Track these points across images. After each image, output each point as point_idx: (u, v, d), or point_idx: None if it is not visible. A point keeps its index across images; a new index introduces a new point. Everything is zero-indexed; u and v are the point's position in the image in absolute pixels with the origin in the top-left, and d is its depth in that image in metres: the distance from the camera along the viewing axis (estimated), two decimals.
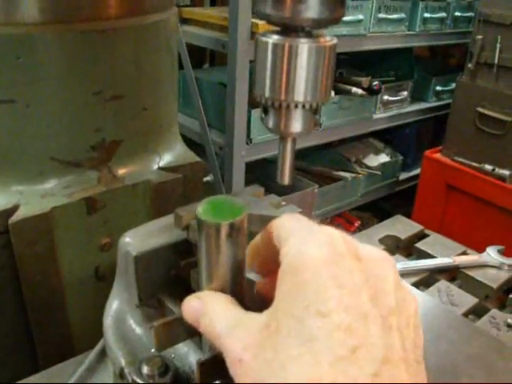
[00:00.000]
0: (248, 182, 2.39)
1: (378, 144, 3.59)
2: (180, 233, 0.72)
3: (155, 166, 1.20)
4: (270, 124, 0.67)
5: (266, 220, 0.70)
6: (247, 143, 2.27)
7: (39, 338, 1.13)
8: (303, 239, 0.48)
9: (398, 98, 3.39)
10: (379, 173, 3.35)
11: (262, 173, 2.64)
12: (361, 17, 2.69)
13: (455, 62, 4.21)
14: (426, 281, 1.57)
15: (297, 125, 0.66)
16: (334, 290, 0.43)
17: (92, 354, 0.82)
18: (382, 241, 1.68)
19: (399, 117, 3.43)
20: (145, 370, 0.65)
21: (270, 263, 0.54)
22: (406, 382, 0.42)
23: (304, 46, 0.60)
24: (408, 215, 2.27)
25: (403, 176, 3.72)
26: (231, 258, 0.54)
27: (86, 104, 1.05)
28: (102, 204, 1.09)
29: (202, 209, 0.54)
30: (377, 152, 3.50)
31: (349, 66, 3.17)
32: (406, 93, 3.42)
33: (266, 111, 0.66)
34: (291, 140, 0.69)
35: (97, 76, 1.05)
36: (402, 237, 1.70)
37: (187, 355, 0.70)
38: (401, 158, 3.66)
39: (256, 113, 2.23)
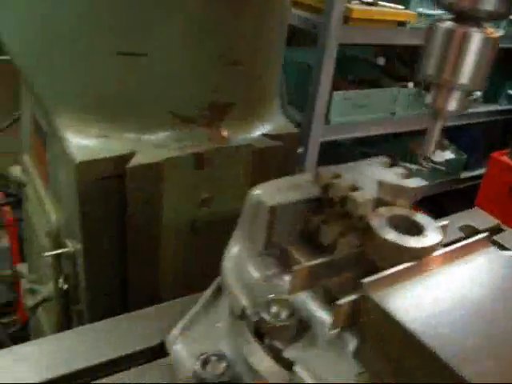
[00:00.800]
0: (319, 163, 2.44)
1: (444, 140, 3.59)
2: (310, 191, 0.78)
3: (258, 133, 1.25)
4: (429, 100, 0.72)
5: (397, 189, 0.76)
6: (325, 123, 2.31)
7: (132, 280, 1.20)
8: None
9: (472, 97, 3.37)
10: (443, 168, 3.35)
11: (332, 155, 2.68)
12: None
13: None
14: None
15: (453, 104, 0.71)
16: None
17: (207, 294, 0.89)
18: (461, 229, 1.70)
19: (470, 116, 3.42)
20: (274, 309, 0.71)
21: None
22: None
23: (477, 35, 0.66)
24: None
25: (464, 175, 3.71)
26: None
27: (207, 65, 1.11)
28: (208, 161, 1.15)
29: None
30: (442, 148, 3.50)
31: None
32: (479, 93, 3.40)
33: (427, 88, 0.72)
34: (443, 117, 0.74)
35: (221, 40, 1.11)
36: (480, 228, 1.72)
37: (305, 302, 0.75)
38: (465, 156, 3.65)
39: (338, 95, 2.27)
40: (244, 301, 0.76)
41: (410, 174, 0.82)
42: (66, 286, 1.29)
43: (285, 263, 0.80)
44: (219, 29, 1.10)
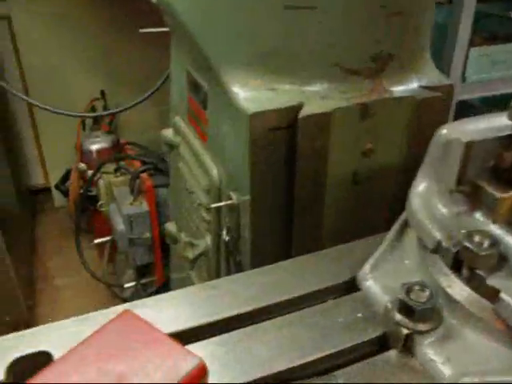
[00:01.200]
0: None
1: None
2: (502, 128, 0.79)
3: (416, 84, 1.25)
4: None
5: None
6: (462, 81, 2.27)
7: (297, 230, 1.24)
8: None
9: None
10: None
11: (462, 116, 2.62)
12: None
13: None
14: None
15: None
16: None
17: (392, 231, 0.91)
18: None
19: None
20: (476, 239, 0.73)
21: None
22: None
23: None
24: None
25: None
26: None
27: (371, 15, 1.13)
28: (372, 112, 1.17)
29: None
30: None
31: None
32: None
33: None
34: None
35: None
36: None
37: (503, 235, 0.76)
38: None
39: (474, 51, 2.22)
40: (437, 234, 0.78)
41: None
42: (227, 238, 1.35)
43: (475, 200, 0.81)
44: None
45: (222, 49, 1.17)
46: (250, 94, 1.14)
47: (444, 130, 0.82)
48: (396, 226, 0.91)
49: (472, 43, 2.30)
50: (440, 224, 0.80)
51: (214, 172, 1.37)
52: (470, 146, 0.77)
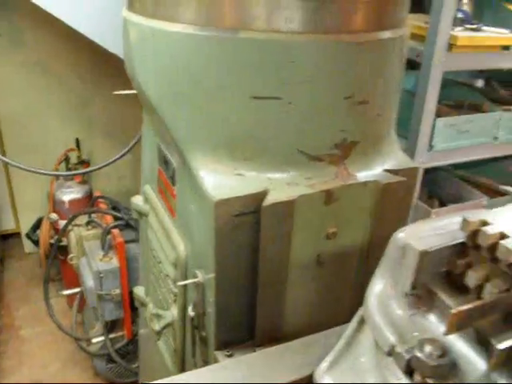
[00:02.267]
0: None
1: None
2: (455, 235, 0.82)
3: (380, 168, 1.29)
4: None
5: None
6: (428, 150, 2.32)
7: (260, 309, 1.25)
8: None
9: None
10: None
11: (430, 180, 2.69)
12: None
13: None
14: None
15: None
16: None
17: (350, 328, 0.93)
18: None
19: None
20: (427, 348, 0.75)
21: None
22: None
23: None
24: None
25: None
26: None
27: (336, 106, 1.16)
28: (336, 197, 1.20)
29: None
30: None
31: None
32: None
33: None
34: None
35: (348, 82, 1.16)
36: None
37: (454, 342, 0.79)
38: None
39: (440, 121, 2.28)
40: (392, 338, 0.80)
41: None
42: (192, 314, 1.36)
43: (429, 303, 0.83)
44: (346, 73, 1.15)
45: (190, 134, 1.20)
46: (217, 180, 1.16)
47: (401, 234, 0.85)
48: (353, 324, 0.93)
49: (438, 111, 2.36)
50: (395, 326, 0.82)
51: (181, 248, 1.38)
52: (424, 254, 0.79)
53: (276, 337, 1.27)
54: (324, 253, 1.26)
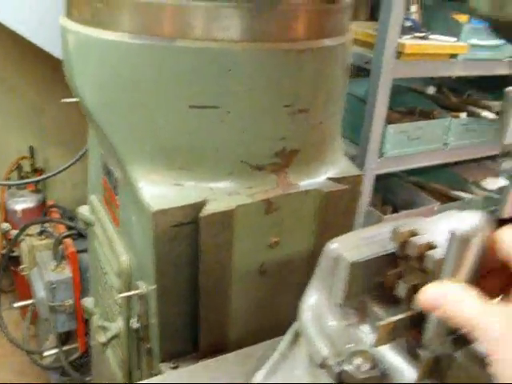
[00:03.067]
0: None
1: (496, 168, 3.57)
2: (387, 246, 0.81)
3: (324, 176, 1.29)
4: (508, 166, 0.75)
5: None
6: (379, 156, 2.34)
7: (203, 320, 1.24)
8: None
9: None
10: (498, 196, 3.33)
11: (384, 186, 2.71)
12: (501, 42, 2.68)
13: None
14: None
15: None
16: None
17: (285, 341, 0.92)
18: None
19: None
20: (357, 361, 0.74)
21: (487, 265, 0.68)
22: None
23: None
24: None
25: None
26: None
27: (275, 114, 1.16)
28: (277, 206, 1.19)
29: None
30: (495, 175, 3.49)
31: (477, 88, 3.17)
32: None
33: (505, 155, 0.75)
34: None
35: (288, 90, 1.15)
36: None
37: (385, 354, 0.78)
38: None
39: (391, 128, 2.30)
40: (324, 350, 0.79)
41: None
42: (137, 325, 1.34)
43: (362, 314, 0.83)
44: (286, 81, 1.14)
45: (128, 144, 1.18)
46: (155, 190, 1.14)
47: (333, 245, 0.84)
48: (288, 336, 0.92)
49: (390, 118, 2.39)
50: (329, 338, 0.82)
51: (124, 258, 1.36)
52: (355, 265, 0.79)
53: (220, 349, 1.26)
54: (267, 262, 1.25)
